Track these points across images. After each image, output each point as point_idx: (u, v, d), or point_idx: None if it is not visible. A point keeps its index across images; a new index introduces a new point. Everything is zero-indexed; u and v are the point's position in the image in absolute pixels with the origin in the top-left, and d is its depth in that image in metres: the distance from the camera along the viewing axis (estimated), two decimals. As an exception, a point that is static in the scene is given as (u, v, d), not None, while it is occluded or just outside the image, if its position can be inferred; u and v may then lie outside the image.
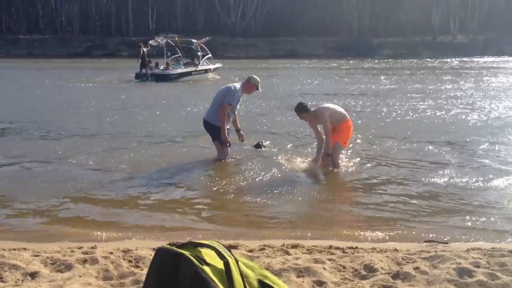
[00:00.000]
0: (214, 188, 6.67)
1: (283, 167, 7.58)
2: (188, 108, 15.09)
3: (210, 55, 29.83)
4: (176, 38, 29.16)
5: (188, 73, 27.50)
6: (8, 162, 8.07)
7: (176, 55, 29.53)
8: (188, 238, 4.67)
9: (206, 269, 1.57)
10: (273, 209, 5.82)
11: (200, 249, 1.72)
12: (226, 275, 1.58)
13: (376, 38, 70.46)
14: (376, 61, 52.53)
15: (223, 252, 1.64)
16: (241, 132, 8.27)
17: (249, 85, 7.93)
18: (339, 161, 7.53)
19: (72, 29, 75.49)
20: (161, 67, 27.79)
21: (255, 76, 8.01)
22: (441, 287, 3.21)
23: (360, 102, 16.65)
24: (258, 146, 8.69)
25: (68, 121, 12.49)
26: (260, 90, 8.20)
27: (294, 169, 7.50)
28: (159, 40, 28.55)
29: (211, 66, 29.44)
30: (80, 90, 21.45)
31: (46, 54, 60.65)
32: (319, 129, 7.46)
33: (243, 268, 1.66)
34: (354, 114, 13.16)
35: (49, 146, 9.47)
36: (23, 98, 17.89)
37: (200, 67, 28.16)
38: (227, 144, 7.88)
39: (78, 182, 6.94)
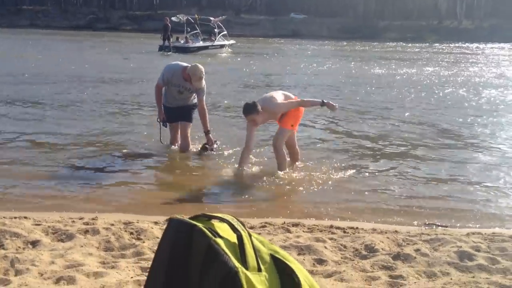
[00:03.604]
0: (208, 168, 6.59)
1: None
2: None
3: (225, 32, 33.55)
4: (196, 16, 33.39)
5: (206, 47, 30.98)
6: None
7: (195, 31, 32.81)
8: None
9: (219, 241, 1.56)
10: (269, 188, 5.80)
11: (213, 222, 1.71)
12: (239, 248, 1.57)
13: (381, 21, 69.98)
14: (381, 44, 52.18)
15: (236, 226, 1.62)
16: (210, 136, 6.93)
17: (185, 72, 6.63)
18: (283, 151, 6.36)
19: (75, 1, 74.93)
20: (181, 41, 31.29)
21: (197, 66, 6.61)
22: (441, 269, 3.22)
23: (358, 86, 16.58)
24: (204, 149, 7.01)
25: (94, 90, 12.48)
26: (195, 85, 6.60)
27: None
28: (180, 17, 32.57)
29: (226, 42, 33.30)
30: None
31: (48, 25, 60.23)
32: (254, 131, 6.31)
33: (256, 242, 1.65)
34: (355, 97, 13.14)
35: (54, 116, 9.48)
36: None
37: (216, 43, 31.99)
38: (162, 124, 7.04)
39: (74, 153, 6.97)
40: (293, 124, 6.32)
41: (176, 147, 7.21)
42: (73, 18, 66.69)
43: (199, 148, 7.05)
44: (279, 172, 6.17)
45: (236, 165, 6.31)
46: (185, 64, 6.81)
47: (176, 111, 7.00)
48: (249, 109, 6.07)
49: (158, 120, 7.08)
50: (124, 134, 8.25)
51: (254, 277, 1.57)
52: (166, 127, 7.09)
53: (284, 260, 1.68)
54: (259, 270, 1.61)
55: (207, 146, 6.94)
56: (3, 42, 32.09)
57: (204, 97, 6.82)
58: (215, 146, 7.01)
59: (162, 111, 6.97)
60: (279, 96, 6.28)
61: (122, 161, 6.77)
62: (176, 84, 6.76)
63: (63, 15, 67.99)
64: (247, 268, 1.57)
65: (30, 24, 61.76)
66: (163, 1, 72.88)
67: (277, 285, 1.64)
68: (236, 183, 6.01)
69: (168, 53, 28.93)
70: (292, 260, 1.67)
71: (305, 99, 6.45)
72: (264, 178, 6.02)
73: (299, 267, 1.67)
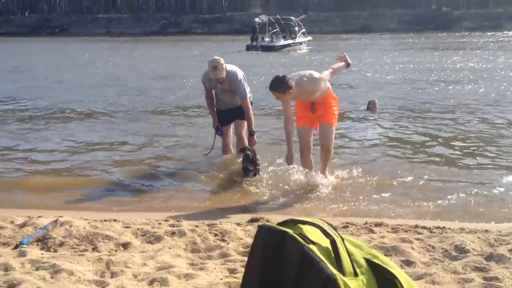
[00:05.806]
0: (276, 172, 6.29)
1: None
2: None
3: (304, 29, 37.21)
4: (278, 16, 36.85)
5: (288, 45, 33.95)
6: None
7: (274, 30, 35.89)
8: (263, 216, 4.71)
9: (313, 247, 1.55)
10: (347, 187, 5.69)
11: (301, 226, 1.70)
12: (334, 253, 1.55)
13: (455, 10, 67.45)
14: (457, 34, 50.26)
15: (328, 230, 1.61)
16: (254, 137, 6.46)
17: None
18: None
19: (148, 8, 77.24)
20: (267, 39, 34.17)
21: (212, 58, 6.30)
22: (540, 272, 3.05)
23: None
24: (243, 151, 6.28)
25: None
26: (211, 75, 6.24)
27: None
28: (263, 18, 36.33)
29: (305, 39, 36.42)
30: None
31: (122, 32, 62.35)
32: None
33: (349, 246, 1.63)
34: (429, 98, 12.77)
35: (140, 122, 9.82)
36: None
37: (297, 40, 34.97)
38: (218, 132, 6.78)
39: (151, 156, 7.24)
40: (335, 121, 5.76)
41: (229, 155, 6.93)
42: (146, 24, 68.76)
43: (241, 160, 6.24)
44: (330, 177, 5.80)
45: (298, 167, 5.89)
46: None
47: (228, 113, 6.72)
48: (277, 86, 5.26)
49: (219, 133, 6.81)
50: (198, 137, 8.32)
51: (351, 282, 1.56)
52: (220, 135, 6.79)
53: (383, 265, 1.65)
54: (356, 274, 1.59)
55: (247, 152, 6.11)
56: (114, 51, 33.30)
57: (248, 96, 6.42)
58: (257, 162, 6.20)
59: (215, 120, 6.74)
60: (316, 73, 5.55)
61: (189, 164, 6.89)
62: (214, 86, 6.56)
63: (136, 22, 70.24)
64: (343, 274, 1.56)
65: (106, 32, 64.26)
66: (232, 3, 73.80)
67: (375, 289, 1.62)
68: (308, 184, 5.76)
69: (255, 52, 31.09)
70: (393, 266, 1.63)
71: (333, 67, 5.75)
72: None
73: (401, 272, 1.63)
